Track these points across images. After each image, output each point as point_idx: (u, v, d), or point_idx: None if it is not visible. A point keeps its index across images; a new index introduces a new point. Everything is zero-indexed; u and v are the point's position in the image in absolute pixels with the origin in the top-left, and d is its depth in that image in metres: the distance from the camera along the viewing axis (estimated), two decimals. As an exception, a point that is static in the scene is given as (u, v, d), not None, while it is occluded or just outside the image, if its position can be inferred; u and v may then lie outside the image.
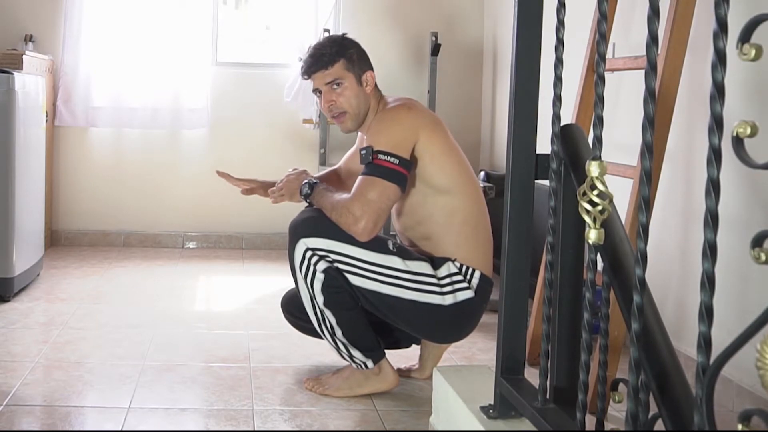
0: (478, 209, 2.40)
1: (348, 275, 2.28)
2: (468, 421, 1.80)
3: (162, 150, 4.89)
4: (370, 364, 2.39)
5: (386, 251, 2.30)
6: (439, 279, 2.32)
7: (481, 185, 3.19)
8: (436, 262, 2.34)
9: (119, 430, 2.12)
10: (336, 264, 2.27)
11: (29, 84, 3.65)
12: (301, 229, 2.29)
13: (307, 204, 2.41)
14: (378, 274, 2.28)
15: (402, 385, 2.51)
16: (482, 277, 2.37)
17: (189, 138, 4.83)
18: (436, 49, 4.83)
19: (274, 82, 4.88)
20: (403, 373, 2.59)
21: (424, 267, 2.32)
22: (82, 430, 2.15)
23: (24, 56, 4.13)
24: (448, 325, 2.38)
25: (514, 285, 1.77)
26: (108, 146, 4.88)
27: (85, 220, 4.88)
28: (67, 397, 2.34)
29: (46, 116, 4.18)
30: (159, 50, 4.75)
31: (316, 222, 2.29)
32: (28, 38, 4.64)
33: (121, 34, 4.72)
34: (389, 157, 2.23)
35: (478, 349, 2.96)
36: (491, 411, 1.77)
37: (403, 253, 2.33)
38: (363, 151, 2.28)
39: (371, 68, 2.46)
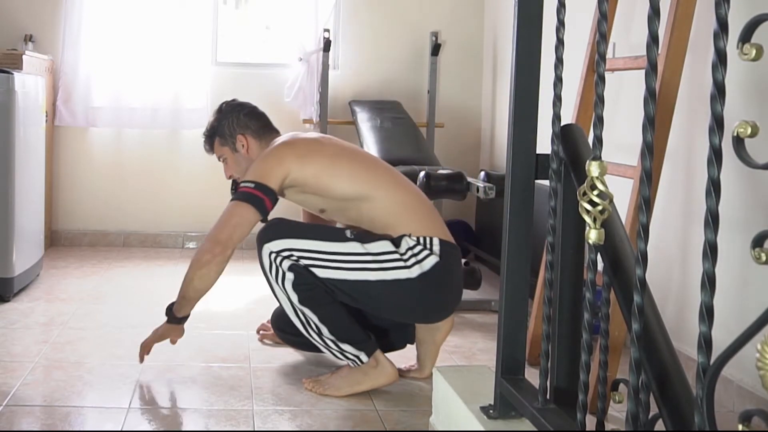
0: (405, 195, 2.48)
1: (314, 269, 2.34)
2: (468, 421, 1.80)
3: (162, 150, 4.89)
4: (363, 357, 2.39)
5: (344, 239, 2.38)
6: (402, 254, 2.36)
7: (481, 185, 3.20)
8: (395, 241, 2.39)
9: (119, 430, 2.12)
10: (300, 260, 2.34)
11: (29, 84, 3.65)
12: (262, 236, 2.39)
13: (178, 309, 2.50)
14: (341, 262, 2.34)
15: (402, 385, 2.51)
16: (442, 242, 2.40)
17: (189, 138, 4.83)
18: (436, 49, 4.84)
19: (274, 82, 4.88)
20: (403, 374, 2.59)
21: (385, 246, 2.37)
22: (82, 430, 2.15)
23: (24, 56, 4.13)
24: (425, 297, 2.40)
25: (514, 285, 1.77)
26: (108, 146, 4.88)
27: (85, 220, 4.88)
28: (67, 397, 2.34)
29: (46, 116, 4.18)
30: (159, 50, 4.74)
31: (273, 226, 2.40)
32: (28, 38, 4.64)
33: (121, 33, 4.72)
34: (247, 183, 2.41)
35: (478, 349, 2.96)
36: (491, 411, 1.77)
37: (362, 237, 2.39)
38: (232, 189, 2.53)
39: (245, 130, 2.64)
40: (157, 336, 2.52)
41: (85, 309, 3.36)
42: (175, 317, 2.50)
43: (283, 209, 2.61)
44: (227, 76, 4.90)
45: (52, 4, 4.74)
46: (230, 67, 4.94)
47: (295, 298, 2.35)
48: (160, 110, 4.78)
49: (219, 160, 2.71)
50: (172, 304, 2.51)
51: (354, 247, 2.36)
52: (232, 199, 2.43)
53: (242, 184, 2.43)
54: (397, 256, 2.35)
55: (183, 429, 2.19)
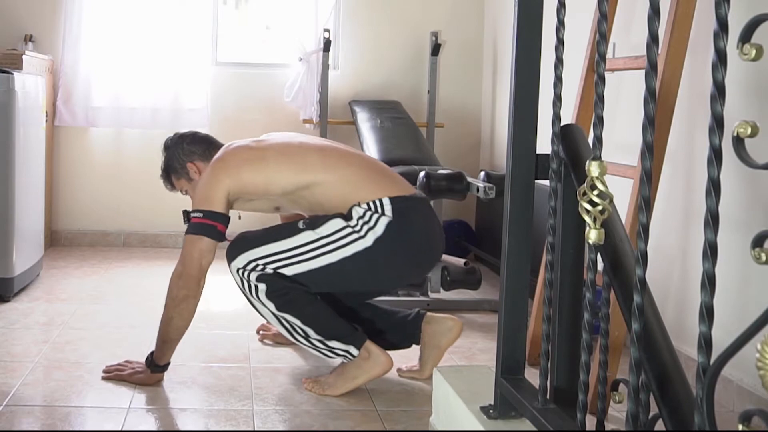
0: (348, 168, 2.50)
1: (281, 270, 2.39)
2: (468, 421, 1.80)
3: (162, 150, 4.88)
4: (353, 350, 2.40)
5: (297, 231, 2.42)
6: (353, 226, 2.38)
7: (481, 185, 3.20)
8: (346, 215, 2.41)
9: (119, 430, 2.12)
10: (266, 268, 2.39)
11: (29, 84, 3.65)
12: (227, 257, 2.46)
13: (156, 366, 2.49)
14: (300, 255, 2.39)
15: (402, 385, 2.51)
16: (394, 199, 2.41)
17: (189, 138, 4.82)
18: (436, 49, 4.84)
19: (274, 82, 4.88)
20: (404, 374, 2.59)
21: (336, 224, 2.40)
22: (82, 430, 2.15)
23: (24, 56, 4.13)
24: (391, 260, 2.42)
25: (514, 285, 1.77)
26: (108, 146, 4.87)
27: (85, 220, 4.88)
28: (67, 397, 2.34)
29: (46, 116, 4.18)
30: (159, 50, 4.74)
31: (233, 244, 2.46)
32: (28, 38, 4.64)
33: (121, 34, 4.72)
34: (196, 214, 2.45)
35: (478, 349, 2.96)
36: (491, 411, 1.77)
37: (312, 223, 2.42)
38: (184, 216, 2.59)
39: (192, 157, 2.68)
40: (135, 381, 2.46)
41: (85, 309, 3.36)
42: (158, 366, 2.47)
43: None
44: (227, 76, 4.90)
45: (52, 4, 4.74)
46: (230, 67, 4.94)
47: (272, 306, 2.40)
48: (160, 110, 4.78)
49: (182, 193, 2.75)
50: (152, 353, 2.48)
51: (307, 236, 2.40)
52: (186, 232, 2.46)
53: (192, 215, 2.47)
54: (349, 230, 2.38)
55: (183, 429, 2.19)
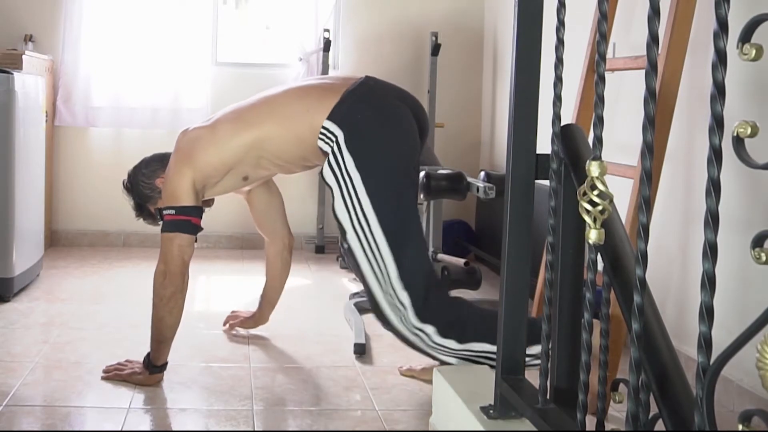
0: (281, 109, 2.50)
1: (394, 278, 2.30)
2: (468, 421, 1.80)
3: (162, 150, 4.87)
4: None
5: (356, 257, 2.35)
6: (340, 184, 2.34)
7: (481, 185, 3.20)
8: (327, 173, 2.38)
9: (119, 430, 2.12)
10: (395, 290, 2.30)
11: (29, 84, 3.65)
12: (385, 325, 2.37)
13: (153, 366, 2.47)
14: (375, 249, 2.32)
15: (402, 385, 2.51)
16: (332, 114, 2.37)
17: (189, 138, 4.82)
18: (436, 49, 4.83)
19: (274, 82, 4.83)
20: (405, 373, 2.59)
21: (340, 210, 2.35)
22: (82, 430, 2.15)
23: (24, 56, 4.13)
24: (387, 159, 2.38)
25: (514, 285, 1.77)
26: (108, 146, 4.87)
27: (85, 220, 4.88)
28: (67, 397, 2.34)
29: (46, 116, 4.18)
30: (159, 50, 4.74)
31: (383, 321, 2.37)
32: (28, 38, 4.64)
33: (121, 33, 4.72)
34: (168, 211, 2.47)
35: (478, 349, 2.96)
36: (491, 411, 1.77)
37: (345, 235, 2.37)
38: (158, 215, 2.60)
39: (157, 174, 2.67)
40: (135, 381, 2.45)
41: (85, 309, 3.36)
42: (156, 366, 2.47)
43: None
44: (227, 76, 4.90)
45: (52, 4, 4.74)
46: (230, 67, 4.94)
47: (450, 342, 2.29)
48: (160, 110, 4.77)
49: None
50: (148, 354, 2.48)
51: (356, 242, 2.33)
52: (162, 231, 2.46)
53: (165, 213, 2.48)
54: (341, 193, 2.33)
55: (183, 429, 2.18)
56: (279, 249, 2.97)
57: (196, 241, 2.49)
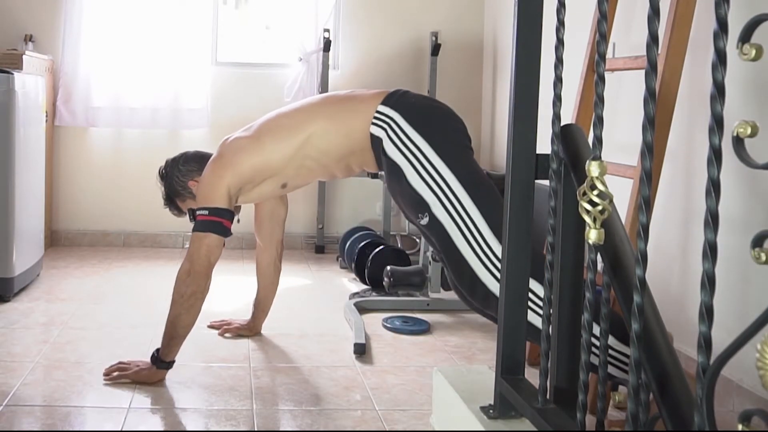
0: (327, 107, 2.57)
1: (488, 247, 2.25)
2: (468, 421, 1.80)
3: (162, 150, 4.85)
4: None
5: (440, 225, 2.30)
6: (410, 158, 2.35)
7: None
8: (383, 164, 2.43)
9: (119, 430, 2.12)
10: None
11: (29, 84, 3.65)
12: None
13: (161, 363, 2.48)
14: (474, 235, 2.27)
15: (402, 385, 2.51)
16: (387, 99, 2.45)
17: (189, 138, 4.82)
18: (436, 49, 4.84)
19: (274, 82, 4.88)
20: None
21: (413, 178, 2.34)
22: (82, 430, 2.15)
23: (24, 56, 4.13)
24: (451, 129, 2.43)
25: (514, 285, 1.77)
26: (108, 146, 4.88)
27: (85, 220, 4.88)
28: (67, 397, 2.34)
29: (46, 116, 4.18)
30: (159, 50, 4.74)
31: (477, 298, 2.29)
32: (28, 38, 4.64)
33: (121, 34, 4.72)
34: (201, 211, 2.50)
35: (478, 349, 2.96)
36: (491, 411, 1.77)
37: (419, 211, 2.34)
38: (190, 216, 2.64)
39: (192, 175, 2.70)
40: (141, 378, 2.45)
41: (85, 309, 3.36)
42: (164, 362, 2.48)
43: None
44: (227, 76, 4.90)
45: (52, 4, 4.74)
46: (230, 67, 4.95)
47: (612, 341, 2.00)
48: (160, 110, 4.78)
49: (191, 219, 2.69)
50: (157, 350, 2.48)
51: (438, 209, 2.29)
52: (193, 230, 2.50)
53: (198, 213, 2.51)
54: (411, 165, 2.34)
55: (183, 429, 2.19)
56: (272, 257, 3.01)
57: (224, 245, 2.51)
